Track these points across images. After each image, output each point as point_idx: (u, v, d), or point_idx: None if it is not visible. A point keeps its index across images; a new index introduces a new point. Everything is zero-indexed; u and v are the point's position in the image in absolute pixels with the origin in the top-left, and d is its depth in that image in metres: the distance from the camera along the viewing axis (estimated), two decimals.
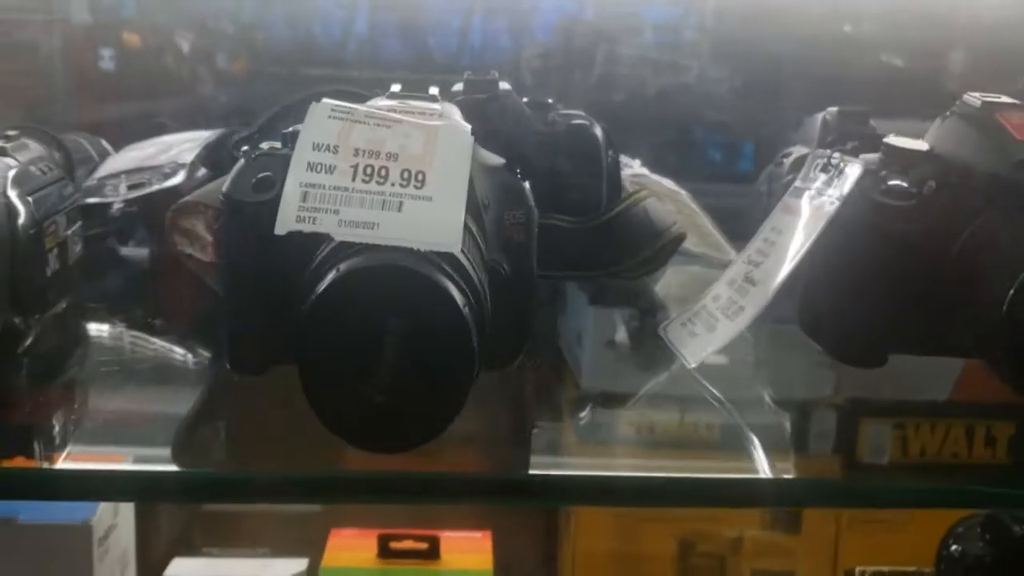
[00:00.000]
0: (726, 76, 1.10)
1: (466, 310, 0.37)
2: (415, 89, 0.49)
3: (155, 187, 0.61)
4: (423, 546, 0.71)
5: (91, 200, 0.61)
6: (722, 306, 0.52)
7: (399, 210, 0.39)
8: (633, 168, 0.69)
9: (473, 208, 0.43)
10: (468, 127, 0.43)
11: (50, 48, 1.06)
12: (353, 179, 0.39)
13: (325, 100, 0.42)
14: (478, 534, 0.75)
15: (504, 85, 0.60)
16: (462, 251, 0.39)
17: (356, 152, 0.40)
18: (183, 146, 0.66)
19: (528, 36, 1.10)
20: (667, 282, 0.67)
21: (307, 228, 0.38)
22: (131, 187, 0.62)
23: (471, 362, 0.37)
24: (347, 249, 0.38)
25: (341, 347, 0.36)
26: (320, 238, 0.39)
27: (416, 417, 0.37)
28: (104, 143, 0.70)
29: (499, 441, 0.50)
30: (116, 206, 0.62)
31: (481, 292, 0.39)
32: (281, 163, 0.41)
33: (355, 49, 1.08)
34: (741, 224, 0.61)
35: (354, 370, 0.36)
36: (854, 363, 0.52)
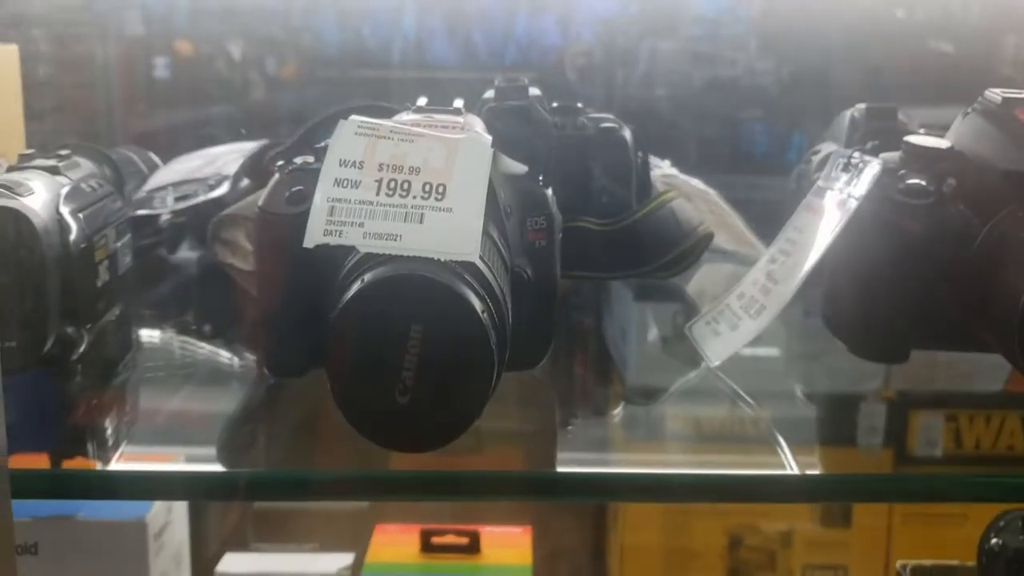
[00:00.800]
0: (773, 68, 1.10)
1: (484, 316, 0.38)
2: (452, 92, 0.51)
3: (201, 198, 0.64)
4: (464, 541, 0.73)
5: (141, 212, 0.64)
6: (745, 304, 0.53)
7: (420, 222, 0.40)
8: (663, 168, 0.70)
9: (495, 216, 0.45)
10: (489, 139, 0.45)
11: (105, 60, 1.09)
12: (377, 193, 0.41)
13: (353, 117, 0.44)
14: (518, 529, 0.76)
15: (534, 91, 0.62)
16: (481, 259, 0.40)
17: (380, 167, 0.42)
18: (227, 157, 0.69)
19: (573, 32, 1.11)
20: (701, 280, 0.68)
21: (334, 241, 0.40)
22: (178, 199, 0.64)
23: (490, 365, 0.39)
24: (371, 260, 0.40)
25: (366, 352, 0.38)
26: (348, 249, 0.41)
27: (438, 418, 0.39)
28: (153, 156, 0.73)
29: (534, 438, 0.52)
30: (164, 217, 0.64)
31: (501, 298, 0.41)
32: (313, 177, 0.43)
33: (402, 50, 1.10)
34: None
35: (378, 374, 0.38)
36: (876, 359, 0.53)
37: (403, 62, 1.09)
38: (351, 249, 0.41)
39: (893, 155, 0.52)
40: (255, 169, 0.65)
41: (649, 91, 1.10)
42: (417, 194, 0.41)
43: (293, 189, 0.45)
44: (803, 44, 1.06)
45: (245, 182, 0.65)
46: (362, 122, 0.43)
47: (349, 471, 0.45)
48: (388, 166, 0.42)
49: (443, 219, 0.40)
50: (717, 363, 0.52)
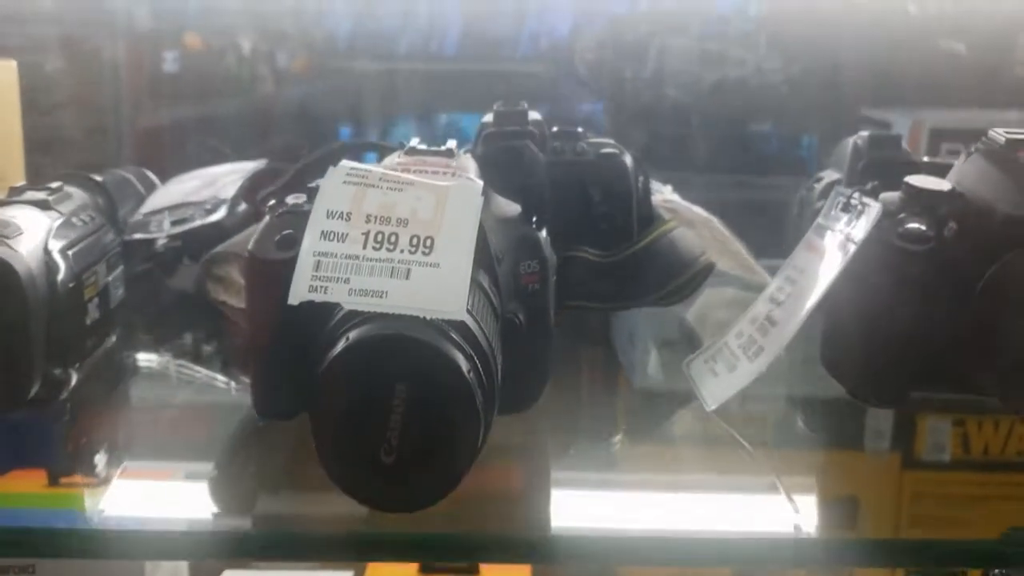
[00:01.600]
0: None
1: (470, 375, 0.38)
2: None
3: (198, 223, 0.64)
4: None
5: (137, 236, 0.64)
6: (743, 344, 0.52)
7: (407, 277, 0.40)
8: (664, 193, 0.69)
9: (485, 263, 0.44)
10: (479, 185, 0.44)
11: (113, 56, 1.09)
12: (364, 246, 0.40)
13: (343, 163, 0.43)
14: None
15: (534, 115, 0.61)
16: (469, 312, 0.40)
17: (368, 218, 0.41)
18: (225, 179, 0.68)
19: (583, 26, 1.10)
20: (703, 305, 0.67)
21: (319, 298, 0.40)
22: (174, 223, 0.64)
23: (476, 425, 0.38)
24: (357, 316, 0.39)
25: (351, 411, 0.38)
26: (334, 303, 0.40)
27: (422, 479, 0.38)
28: (150, 175, 0.72)
29: (524, 495, 0.50)
30: (160, 242, 0.64)
31: (488, 352, 0.40)
32: (303, 220, 0.42)
33: (411, 42, 1.09)
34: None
35: (363, 433, 0.38)
36: (875, 403, 0.52)
37: (411, 54, 1.08)
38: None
39: (893, 196, 0.51)
40: (253, 193, 0.64)
41: (659, 86, 1.09)
42: (404, 248, 0.40)
43: (283, 233, 0.44)
44: (815, 42, 1.04)
45: (243, 206, 0.65)
46: (351, 169, 0.43)
47: (333, 531, 0.44)
48: (376, 217, 0.41)
49: (430, 275, 0.40)
50: (714, 406, 0.51)
